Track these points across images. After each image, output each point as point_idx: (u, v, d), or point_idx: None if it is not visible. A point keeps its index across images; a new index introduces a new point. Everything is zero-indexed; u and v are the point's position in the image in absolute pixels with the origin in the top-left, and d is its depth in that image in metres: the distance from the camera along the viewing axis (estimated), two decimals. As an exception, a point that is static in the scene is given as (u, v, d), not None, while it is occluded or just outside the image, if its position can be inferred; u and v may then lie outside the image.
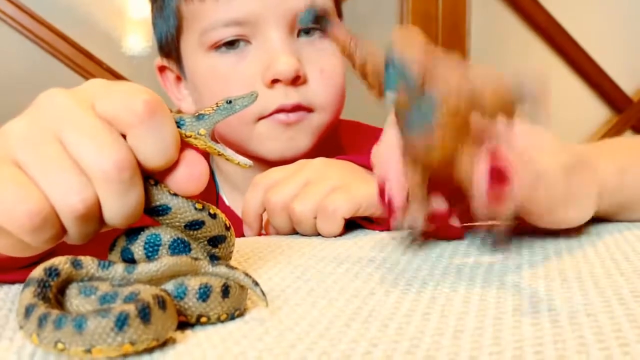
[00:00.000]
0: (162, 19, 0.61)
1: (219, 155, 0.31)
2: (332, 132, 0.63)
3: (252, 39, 0.58)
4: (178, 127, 0.29)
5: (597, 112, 1.69)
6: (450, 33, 1.50)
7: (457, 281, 0.32)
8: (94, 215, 0.27)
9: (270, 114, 0.57)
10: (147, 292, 0.24)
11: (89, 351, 0.22)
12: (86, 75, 1.29)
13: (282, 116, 0.57)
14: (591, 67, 1.63)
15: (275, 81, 0.56)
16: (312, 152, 0.60)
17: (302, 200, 0.45)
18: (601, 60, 1.64)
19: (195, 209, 0.29)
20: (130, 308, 0.23)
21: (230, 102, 0.31)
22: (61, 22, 1.28)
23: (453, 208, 0.36)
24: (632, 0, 1.67)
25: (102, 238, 0.30)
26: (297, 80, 0.57)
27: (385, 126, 0.35)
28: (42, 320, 0.23)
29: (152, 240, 0.29)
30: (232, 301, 0.27)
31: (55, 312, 0.23)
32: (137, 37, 1.36)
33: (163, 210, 0.29)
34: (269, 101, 0.57)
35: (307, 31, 0.58)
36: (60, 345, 0.23)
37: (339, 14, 0.65)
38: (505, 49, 1.60)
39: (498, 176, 0.28)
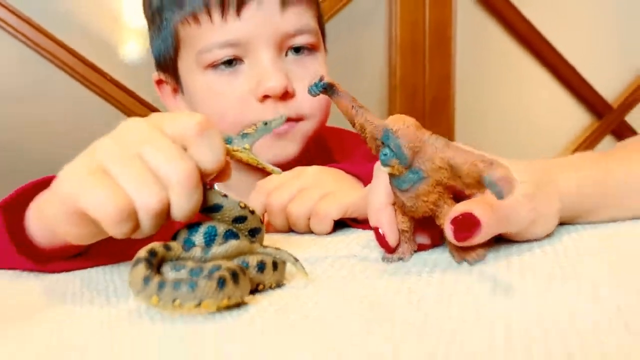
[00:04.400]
0: (160, 39, 0.66)
1: (257, 164, 0.38)
2: (317, 137, 0.68)
3: (245, 59, 0.63)
4: (227, 143, 0.36)
5: (579, 117, 1.75)
6: (436, 41, 1.56)
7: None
8: (165, 213, 0.33)
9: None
10: (227, 265, 0.32)
11: (198, 305, 0.30)
12: (88, 84, 1.33)
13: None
14: (571, 75, 1.70)
15: (266, 97, 0.61)
16: (301, 156, 0.65)
17: (297, 204, 0.51)
18: (581, 67, 1.70)
19: (240, 207, 0.36)
20: (226, 274, 0.31)
21: (266, 123, 0.39)
22: (62, 32, 1.31)
23: (435, 242, 0.41)
24: (612, 9, 1.74)
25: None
26: (286, 96, 0.62)
27: (375, 170, 0.40)
28: (161, 285, 0.30)
29: (210, 232, 0.36)
30: (280, 273, 0.35)
31: (171, 279, 0.31)
32: (135, 45, 1.40)
33: (217, 209, 0.36)
34: (260, 115, 0.61)
35: (296, 49, 0.63)
36: (177, 302, 0.30)
37: (323, 37, 0.70)
38: (488, 56, 1.66)
39: (464, 226, 0.34)
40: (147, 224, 0.33)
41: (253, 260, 0.34)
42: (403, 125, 0.35)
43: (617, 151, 0.57)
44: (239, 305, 0.32)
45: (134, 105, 1.36)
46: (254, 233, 0.37)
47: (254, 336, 0.28)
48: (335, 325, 0.28)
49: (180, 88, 0.68)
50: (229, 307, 0.31)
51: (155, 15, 0.66)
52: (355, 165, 0.57)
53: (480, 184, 0.32)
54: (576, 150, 1.74)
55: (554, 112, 1.72)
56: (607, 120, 1.75)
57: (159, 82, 0.70)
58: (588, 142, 1.74)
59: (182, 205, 0.33)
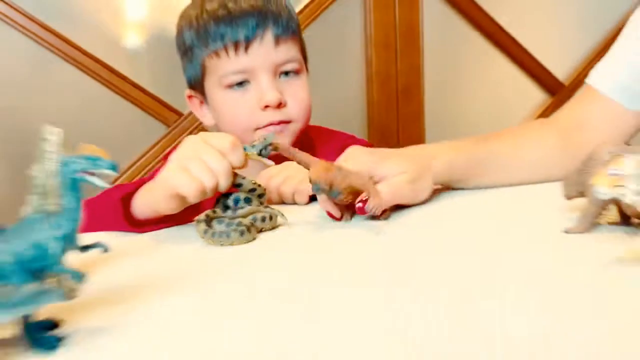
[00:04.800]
0: (192, 67, 0.90)
1: (260, 161, 0.62)
2: (303, 134, 0.93)
3: (251, 81, 0.87)
4: (244, 150, 0.61)
5: (534, 95, 2.00)
6: (406, 36, 1.80)
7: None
8: (216, 188, 0.60)
9: (264, 126, 0.87)
10: (245, 222, 0.59)
11: (231, 244, 0.57)
12: (92, 74, 1.58)
13: (271, 128, 0.87)
14: (526, 57, 1.94)
15: (266, 107, 0.86)
16: (305, 146, 0.90)
17: (286, 185, 0.78)
18: (535, 50, 1.94)
19: (252, 183, 0.62)
20: (244, 227, 0.58)
21: (265, 138, 0.62)
22: (66, 27, 1.53)
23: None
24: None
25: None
26: (280, 106, 0.87)
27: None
28: (212, 235, 0.58)
29: (236, 198, 0.62)
30: (274, 222, 0.62)
31: (217, 230, 0.58)
32: (136, 34, 1.64)
33: (239, 185, 0.62)
34: (262, 119, 0.86)
35: (285, 73, 0.88)
36: (221, 243, 0.57)
37: (306, 62, 0.94)
38: (452, 47, 1.89)
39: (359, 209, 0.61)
40: (208, 194, 0.60)
41: (259, 215, 0.61)
42: (320, 174, 0.59)
43: (497, 134, 0.83)
44: (252, 240, 0.59)
45: (136, 93, 1.61)
46: (261, 197, 0.63)
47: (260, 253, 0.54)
48: (302, 248, 0.54)
49: (206, 101, 0.92)
50: (247, 242, 0.59)
51: (187, 50, 0.90)
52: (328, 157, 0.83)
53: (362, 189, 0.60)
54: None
55: (512, 92, 1.97)
56: (559, 96, 1.99)
57: (190, 97, 0.96)
58: (544, 116, 1.99)
59: (223, 184, 0.60)
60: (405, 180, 0.65)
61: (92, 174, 0.36)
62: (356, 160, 0.66)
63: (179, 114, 1.64)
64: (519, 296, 0.40)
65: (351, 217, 0.65)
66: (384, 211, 0.63)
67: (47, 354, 0.36)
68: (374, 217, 0.63)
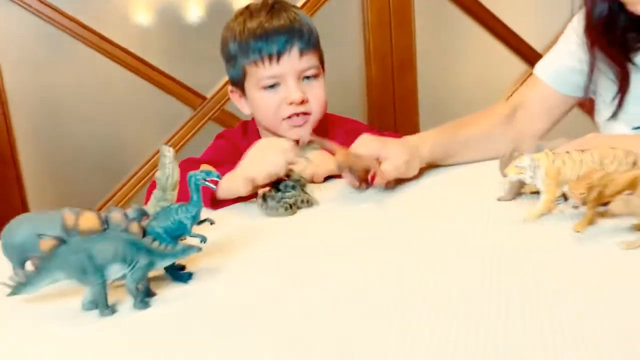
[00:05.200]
0: (234, 70, 1.14)
1: (304, 157, 0.90)
2: (320, 123, 1.18)
3: (281, 83, 1.11)
4: None
5: (516, 66, 2.24)
6: (399, 18, 2.03)
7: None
8: (275, 176, 0.88)
9: (289, 118, 1.11)
10: (289, 201, 0.85)
11: (278, 215, 0.84)
12: (103, 52, 1.82)
13: (294, 119, 1.12)
14: (508, 33, 2.17)
15: (292, 103, 1.11)
16: (320, 130, 1.14)
17: (307, 170, 1.01)
18: (516, 27, 2.17)
19: (299, 176, 0.87)
20: (287, 205, 0.84)
21: (310, 149, 0.89)
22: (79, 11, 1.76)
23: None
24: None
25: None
26: (303, 102, 1.11)
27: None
28: (266, 209, 0.85)
29: (285, 184, 0.86)
30: (309, 204, 0.87)
31: (270, 206, 0.85)
32: (144, 14, 1.85)
33: (289, 176, 0.87)
34: (287, 111, 1.11)
35: (307, 77, 1.12)
36: (271, 214, 0.85)
37: (323, 66, 1.18)
38: (440, 27, 2.12)
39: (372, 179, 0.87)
40: (270, 179, 0.86)
41: (299, 198, 0.85)
42: (342, 158, 0.85)
43: (464, 122, 1.09)
44: (293, 214, 0.84)
45: (144, 68, 1.85)
46: (303, 186, 0.87)
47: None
48: (325, 221, 0.80)
49: (244, 95, 1.16)
50: (290, 216, 0.83)
51: (231, 58, 1.13)
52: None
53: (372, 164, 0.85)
54: (517, 88, 2.24)
55: (496, 64, 2.20)
56: (538, 66, 2.23)
57: (232, 91, 1.19)
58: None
59: (280, 173, 0.86)
60: (402, 161, 0.90)
61: (205, 181, 0.62)
62: (366, 146, 0.90)
63: (203, 98, 1.89)
64: (456, 245, 0.67)
65: (367, 187, 0.91)
66: (389, 183, 0.89)
67: (184, 283, 0.62)
68: (384, 187, 0.89)
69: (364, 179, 0.89)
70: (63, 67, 1.82)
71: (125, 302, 0.59)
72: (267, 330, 0.51)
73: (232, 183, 0.89)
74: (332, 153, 0.88)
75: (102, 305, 0.57)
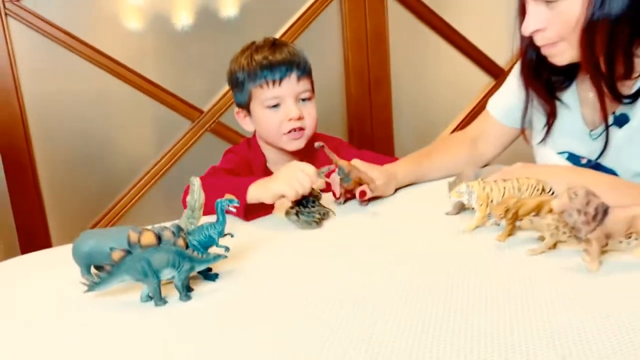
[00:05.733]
0: (242, 94, 1.37)
1: (323, 178, 1.11)
2: (312, 138, 1.41)
3: (282, 104, 1.34)
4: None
5: (481, 80, 2.48)
6: (375, 38, 2.25)
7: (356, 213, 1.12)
8: (301, 194, 1.09)
9: (288, 132, 1.34)
10: (314, 216, 1.06)
11: (310, 228, 1.05)
12: (101, 66, 2.02)
13: (293, 133, 1.35)
14: (473, 50, 2.41)
15: (291, 119, 1.33)
16: (306, 146, 1.38)
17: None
18: (480, 44, 2.41)
19: (318, 192, 1.10)
20: (313, 219, 1.06)
21: (322, 172, 1.10)
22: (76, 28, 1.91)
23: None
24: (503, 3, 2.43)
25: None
26: (300, 119, 1.34)
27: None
28: (302, 222, 1.05)
29: (307, 199, 1.07)
30: (328, 216, 1.09)
31: (303, 219, 1.06)
32: (137, 20, 2.02)
33: (311, 192, 1.10)
34: (287, 127, 1.34)
35: (302, 99, 1.35)
36: (304, 227, 1.05)
37: (313, 90, 1.40)
38: (412, 45, 2.34)
39: (362, 193, 1.11)
40: (298, 197, 1.06)
41: (322, 211, 1.06)
42: (345, 165, 1.08)
43: (431, 150, 1.33)
44: (320, 226, 1.05)
45: (141, 81, 2.05)
46: (320, 200, 1.08)
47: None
48: (341, 230, 1.03)
49: (249, 115, 1.39)
50: (318, 228, 1.05)
51: (240, 84, 1.36)
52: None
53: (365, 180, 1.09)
54: (482, 100, 2.48)
55: (463, 78, 2.44)
56: (501, 79, 2.48)
57: (237, 112, 1.42)
58: (488, 96, 2.48)
59: (306, 192, 1.06)
60: (382, 183, 1.15)
61: (229, 206, 0.85)
62: (360, 166, 1.15)
63: (200, 111, 2.10)
64: (409, 249, 0.90)
65: (344, 201, 1.15)
66: (364, 200, 1.13)
67: (213, 281, 0.85)
68: (362, 202, 1.13)
69: (348, 191, 1.12)
70: (58, 79, 1.97)
71: (173, 296, 0.81)
72: (277, 317, 0.74)
73: (261, 194, 1.11)
74: (335, 163, 1.11)
75: (157, 298, 0.79)
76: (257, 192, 1.12)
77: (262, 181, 1.14)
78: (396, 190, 1.23)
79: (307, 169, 1.09)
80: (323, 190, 1.22)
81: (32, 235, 1.97)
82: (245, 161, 1.38)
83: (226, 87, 1.97)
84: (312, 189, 1.10)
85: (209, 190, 0.98)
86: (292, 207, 1.07)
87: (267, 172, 1.41)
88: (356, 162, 1.16)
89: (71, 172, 2.03)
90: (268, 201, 1.11)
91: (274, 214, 1.14)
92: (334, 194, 1.15)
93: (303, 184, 1.07)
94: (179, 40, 2.05)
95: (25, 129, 1.94)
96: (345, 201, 1.16)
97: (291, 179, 1.08)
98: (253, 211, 1.14)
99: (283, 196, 1.08)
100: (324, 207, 1.09)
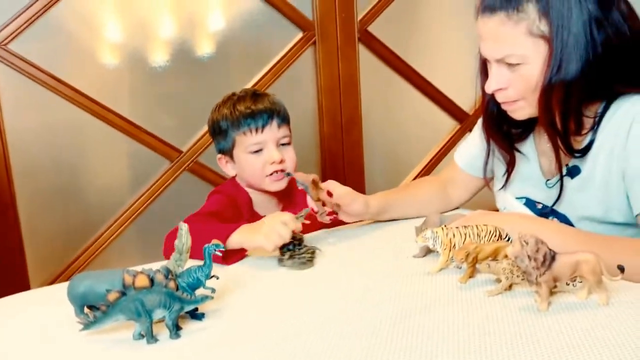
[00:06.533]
0: (225, 141, 1.45)
1: (302, 221, 1.21)
2: (292, 179, 1.49)
3: (264, 149, 1.43)
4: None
5: (447, 123, 2.61)
6: (347, 83, 2.37)
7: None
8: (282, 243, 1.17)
9: (271, 175, 1.43)
10: (308, 256, 1.14)
11: (304, 269, 1.13)
12: (79, 104, 2.08)
13: (275, 175, 1.43)
14: (439, 96, 2.55)
15: (273, 162, 1.42)
16: (287, 188, 1.47)
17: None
18: (446, 90, 2.55)
19: (300, 235, 1.18)
20: (301, 259, 1.13)
21: (300, 216, 1.20)
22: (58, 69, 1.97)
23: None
24: (465, 47, 2.57)
25: None
26: (281, 162, 1.43)
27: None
28: (296, 263, 1.13)
29: (294, 244, 1.15)
30: (314, 254, 1.17)
31: (298, 261, 1.14)
32: (116, 57, 2.08)
33: (294, 237, 1.16)
34: (269, 170, 1.42)
35: (283, 144, 1.44)
36: (299, 268, 1.13)
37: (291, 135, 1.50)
38: (381, 89, 2.47)
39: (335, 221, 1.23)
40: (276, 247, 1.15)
41: (310, 250, 1.14)
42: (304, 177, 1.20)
43: (402, 189, 1.44)
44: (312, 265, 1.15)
45: (118, 119, 2.10)
46: (302, 240, 1.16)
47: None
48: (328, 266, 1.11)
49: (232, 161, 1.48)
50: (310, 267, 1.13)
51: (222, 132, 1.45)
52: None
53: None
54: (448, 142, 2.61)
55: (429, 122, 2.57)
56: (465, 123, 2.61)
57: (220, 159, 1.50)
58: (454, 139, 2.62)
59: (287, 240, 1.14)
60: (344, 192, 1.29)
61: (215, 251, 0.92)
62: (333, 185, 1.28)
63: (179, 151, 2.18)
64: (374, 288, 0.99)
65: (330, 221, 1.28)
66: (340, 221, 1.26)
67: (200, 321, 0.92)
68: (335, 223, 1.27)
69: (317, 199, 1.26)
70: (38, 116, 2.00)
71: (163, 334, 0.88)
72: (261, 352, 0.82)
73: (244, 242, 1.19)
74: (313, 216, 1.22)
75: (149, 336, 0.86)
76: (239, 239, 1.19)
77: (246, 229, 1.21)
78: (375, 222, 1.35)
79: (285, 218, 1.17)
80: (302, 232, 1.30)
81: (10, 273, 2.00)
82: (233, 201, 1.46)
83: (204, 127, 2.04)
84: (295, 233, 1.18)
85: (194, 235, 1.05)
86: (282, 255, 1.15)
87: (254, 213, 1.48)
88: (332, 184, 1.31)
89: (49, 209, 2.07)
90: (252, 251, 1.20)
91: (250, 256, 1.22)
92: (312, 210, 1.27)
93: (282, 235, 1.15)
94: (156, 78, 2.12)
95: (7, 167, 1.97)
96: (331, 219, 1.28)
97: (271, 232, 1.15)
98: (231, 255, 1.21)
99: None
100: (310, 246, 1.18)
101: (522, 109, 1.15)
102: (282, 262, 1.15)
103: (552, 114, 1.09)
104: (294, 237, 1.16)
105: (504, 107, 1.18)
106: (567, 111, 1.08)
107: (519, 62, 1.08)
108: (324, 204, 1.28)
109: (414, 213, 1.40)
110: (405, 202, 1.41)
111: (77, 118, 2.04)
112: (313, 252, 1.17)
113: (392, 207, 1.38)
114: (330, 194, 1.30)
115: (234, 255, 1.21)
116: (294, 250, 1.15)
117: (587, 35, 1.03)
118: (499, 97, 1.16)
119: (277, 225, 1.16)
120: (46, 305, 1.04)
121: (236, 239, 1.19)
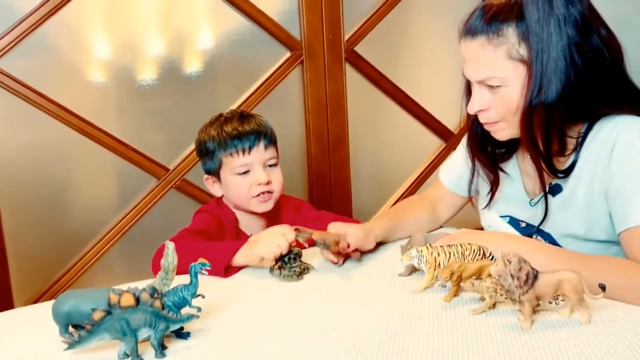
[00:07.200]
0: (212, 162, 1.46)
1: (300, 241, 1.23)
2: (279, 200, 1.50)
3: (251, 170, 1.44)
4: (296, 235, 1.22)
5: (432, 142, 2.64)
6: (334, 103, 2.39)
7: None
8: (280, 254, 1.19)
9: (257, 196, 1.44)
10: (299, 269, 1.17)
11: (293, 281, 1.16)
12: (61, 119, 2.08)
13: (261, 196, 1.44)
14: (425, 115, 2.58)
15: (260, 184, 1.43)
16: (274, 208, 1.47)
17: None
18: (432, 109, 2.58)
19: (297, 250, 1.19)
20: (300, 271, 1.17)
21: (300, 235, 1.21)
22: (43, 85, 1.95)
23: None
24: (451, 68, 2.60)
25: None
26: (268, 183, 1.44)
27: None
28: (285, 275, 1.16)
29: (289, 256, 1.18)
30: (307, 270, 1.19)
31: (287, 274, 1.17)
32: (103, 74, 2.08)
33: (291, 251, 1.18)
34: (256, 191, 1.43)
35: (270, 165, 1.45)
36: (288, 280, 1.16)
37: (278, 155, 1.51)
38: (368, 109, 2.50)
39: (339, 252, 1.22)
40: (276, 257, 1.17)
41: (302, 266, 1.17)
42: (319, 236, 1.19)
43: (398, 211, 1.44)
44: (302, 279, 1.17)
45: (104, 137, 2.10)
46: (300, 257, 1.18)
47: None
48: (319, 282, 1.11)
49: (219, 181, 1.48)
50: (299, 280, 1.15)
51: (210, 153, 1.46)
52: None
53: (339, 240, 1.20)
54: (434, 160, 2.64)
55: (415, 140, 2.60)
56: (451, 142, 2.64)
57: (207, 179, 1.51)
58: (439, 157, 2.64)
59: (284, 251, 1.16)
60: (361, 235, 1.25)
61: (201, 270, 0.92)
62: (337, 227, 1.25)
63: (166, 169, 2.18)
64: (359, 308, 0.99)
65: (344, 262, 1.24)
66: (356, 254, 1.24)
67: (185, 340, 0.92)
68: (348, 257, 1.24)
69: (337, 252, 1.21)
70: (23, 132, 1.98)
71: (148, 353, 0.88)
72: (247, 370, 0.82)
73: (248, 257, 1.22)
74: (312, 241, 1.21)
75: (134, 355, 0.86)
76: (245, 255, 1.22)
77: (247, 245, 1.23)
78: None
79: (284, 230, 1.20)
80: (302, 247, 1.31)
81: (-6, 291, 1.98)
82: (218, 220, 1.46)
83: (191, 145, 2.05)
84: (292, 246, 1.19)
85: (182, 253, 1.05)
86: (275, 263, 1.18)
87: (239, 232, 1.49)
88: (334, 225, 1.26)
89: (34, 227, 2.06)
90: (254, 264, 1.22)
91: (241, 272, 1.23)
92: (331, 261, 1.24)
93: (280, 246, 1.17)
94: (144, 95, 2.12)
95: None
96: (344, 261, 1.25)
97: (271, 242, 1.18)
98: (232, 267, 1.23)
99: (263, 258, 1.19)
100: (304, 263, 1.20)
101: (503, 130, 1.17)
102: (272, 271, 1.18)
103: (534, 135, 1.11)
104: (291, 251, 1.19)
105: (486, 127, 1.20)
106: (549, 133, 1.10)
107: (500, 84, 1.10)
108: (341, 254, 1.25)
109: (407, 235, 1.41)
110: (404, 227, 1.41)
111: (64, 135, 2.03)
112: (305, 269, 1.19)
113: (391, 235, 1.39)
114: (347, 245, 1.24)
115: (234, 267, 1.23)
116: (287, 262, 1.17)
117: (567, 60, 1.05)
118: (481, 118, 1.19)
119: (276, 236, 1.18)
120: (30, 325, 1.04)
121: (242, 256, 1.22)
